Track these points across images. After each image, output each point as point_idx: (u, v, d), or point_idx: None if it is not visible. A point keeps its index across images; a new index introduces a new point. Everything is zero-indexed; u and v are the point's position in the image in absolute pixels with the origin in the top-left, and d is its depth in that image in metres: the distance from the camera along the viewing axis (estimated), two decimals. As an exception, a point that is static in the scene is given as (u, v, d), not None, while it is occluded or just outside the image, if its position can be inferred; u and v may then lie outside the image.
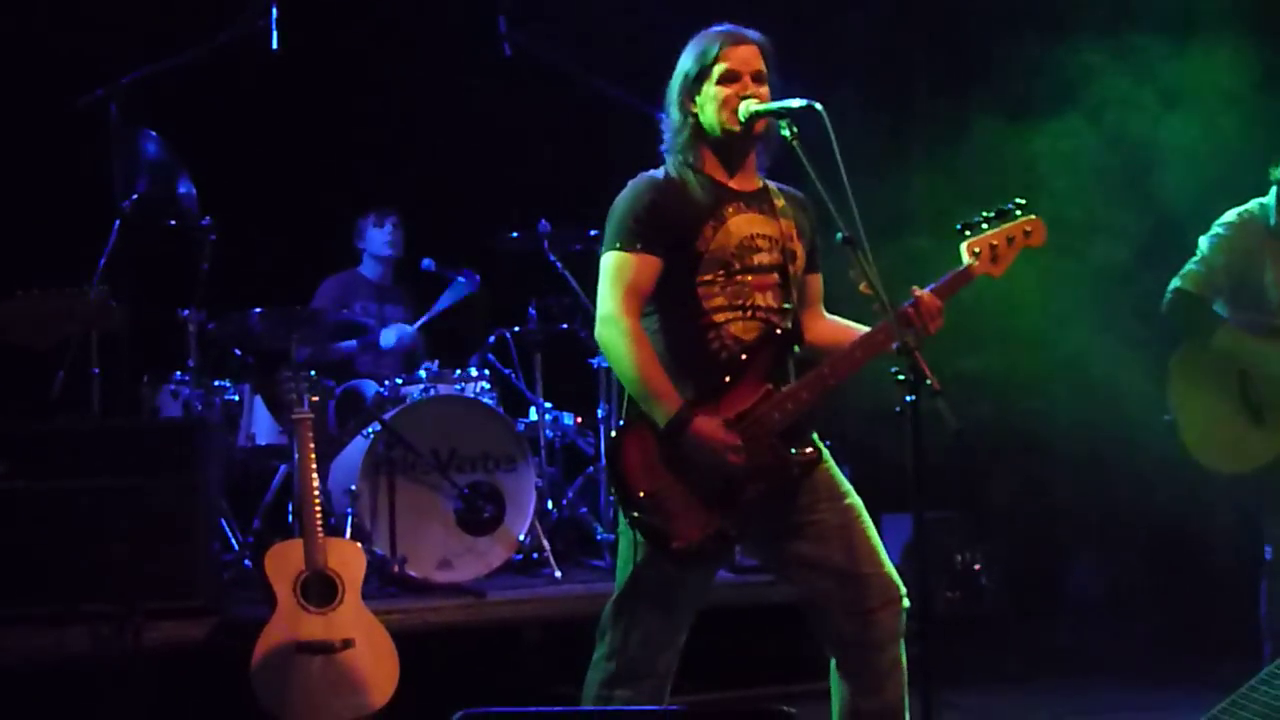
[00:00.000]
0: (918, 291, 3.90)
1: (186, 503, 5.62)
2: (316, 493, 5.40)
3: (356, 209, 7.44)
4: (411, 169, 7.89)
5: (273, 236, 7.42)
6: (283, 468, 6.59)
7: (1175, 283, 5.31)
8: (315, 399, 5.65)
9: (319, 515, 5.35)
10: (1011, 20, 7.04)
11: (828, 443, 4.05)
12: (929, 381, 3.55)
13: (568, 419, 7.25)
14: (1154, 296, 5.48)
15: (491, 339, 7.16)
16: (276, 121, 7.58)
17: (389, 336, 7.15)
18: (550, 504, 6.90)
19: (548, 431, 7.07)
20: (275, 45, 6.58)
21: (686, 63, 4.04)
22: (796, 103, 3.87)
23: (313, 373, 6.19)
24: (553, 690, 5.68)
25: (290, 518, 6.33)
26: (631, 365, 3.86)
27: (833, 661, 4.02)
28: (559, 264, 6.95)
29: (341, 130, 7.76)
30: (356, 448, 6.39)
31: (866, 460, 4.30)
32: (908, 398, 3.57)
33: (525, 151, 7.90)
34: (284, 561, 5.27)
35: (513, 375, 7.21)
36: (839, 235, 3.72)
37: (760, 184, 4.08)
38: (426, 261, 7.29)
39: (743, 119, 3.93)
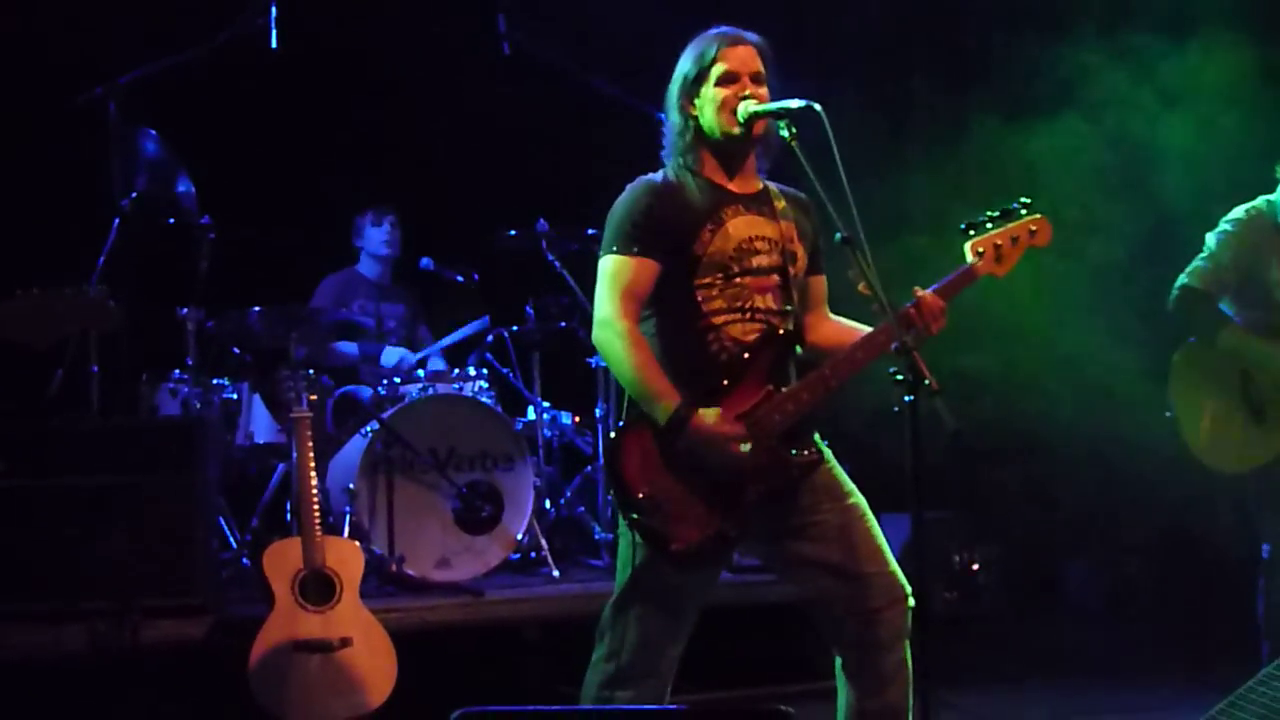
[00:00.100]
0: (920, 292, 3.90)
1: (185, 501, 5.62)
2: (315, 491, 5.40)
3: (355, 207, 7.44)
4: (410, 168, 7.88)
5: (271, 235, 7.40)
6: (281, 466, 6.59)
7: (1182, 279, 5.30)
8: (314, 398, 5.65)
9: (317, 514, 5.35)
10: (1010, 20, 7.05)
11: (828, 442, 4.05)
12: (927, 382, 3.55)
13: (566, 418, 7.25)
14: (1153, 295, 5.47)
15: (490, 338, 7.15)
16: (275, 120, 7.57)
17: (390, 357, 7.16)
18: (548, 503, 6.91)
19: (546, 431, 7.07)
20: (274, 44, 6.57)
21: (685, 65, 4.04)
22: (795, 103, 3.87)
23: (311, 371, 6.20)
24: (551, 689, 5.69)
25: (288, 516, 6.32)
26: (629, 366, 3.85)
27: (838, 661, 4.02)
28: (557, 263, 6.94)
29: (340, 129, 7.76)
30: (355, 446, 6.39)
31: (865, 460, 4.29)
32: (906, 398, 3.57)
33: (524, 151, 7.89)
34: (282, 560, 5.27)
35: (511, 374, 7.20)
36: (838, 236, 3.73)
37: (761, 186, 4.08)
38: (425, 261, 7.29)
39: (741, 120, 3.93)
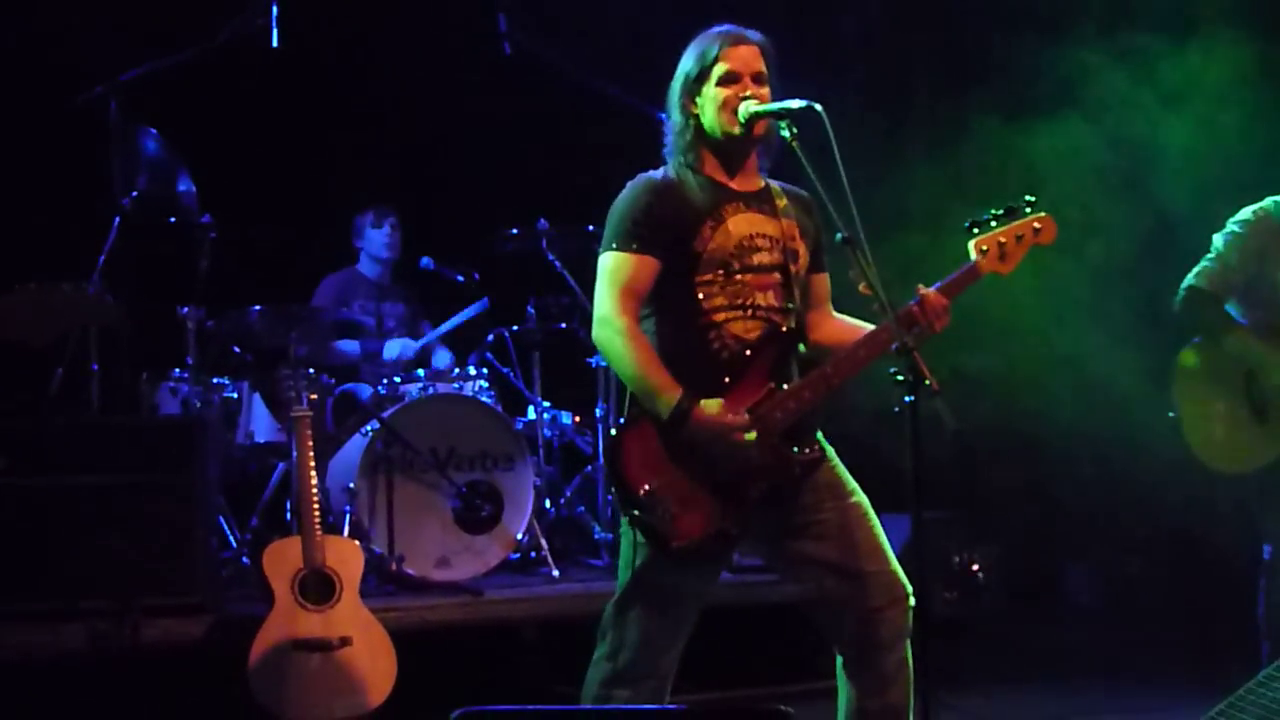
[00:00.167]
0: (923, 289, 3.89)
1: (185, 500, 5.62)
2: (315, 490, 5.40)
3: (355, 207, 7.44)
4: (411, 167, 7.89)
5: (272, 234, 7.41)
6: (281, 465, 6.59)
7: (1189, 280, 5.28)
8: (314, 396, 5.65)
9: (317, 513, 5.35)
10: (1010, 20, 7.04)
11: (829, 442, 4.05)
12: (928, 382, 3.55)
13: (566, 418, 7.25)
14: (1154, 295, 5.47)
15: (490, 338, 7.15)
16: (276, 119, 7.57)
17: (392, 349, 7.16)
18: (548, 503, 6.90)
19: (546, 430, 7.07)
20: (275, 43, 6.57)
21: (687, 64, 4.03)
22: (796, 104, 3.87)
23: (311, 370, 6.20)
24: (550, 689, 5.69)
25: (288, 516, 6.32)
26: (630, 362, 3.85)
27: (839, 660, 4.02)
28: (557, 263, 6.94)
29: (341, 128, 7.76)
30: (355, 446, 6.39)
31: (866, 460, 4.30)
32: (906, 398, 3.57)
33: (524, 150, 7.89)
34: (282, 559, 5.27)
35: (511, 374, 7.20)
36: (838, 236, 3.73)
37: (762, 184, 4.08)
38: (425, 260, 7.29)
39: (742, 120, 3.93)
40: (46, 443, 5.61)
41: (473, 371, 6.78)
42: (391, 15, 7.76)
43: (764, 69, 3.98)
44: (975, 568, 6.91)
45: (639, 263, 3.90)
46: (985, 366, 6.47)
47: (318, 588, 5.25)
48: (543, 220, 6.95)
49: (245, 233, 6.81)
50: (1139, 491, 6.62)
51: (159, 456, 5.62)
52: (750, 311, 3.94)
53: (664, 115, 4.09)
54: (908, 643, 3.94)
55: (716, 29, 4.04)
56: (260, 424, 6.72)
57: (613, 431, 3.92)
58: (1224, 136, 6.32)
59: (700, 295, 3.92)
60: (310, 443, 5.52)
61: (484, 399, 6.61)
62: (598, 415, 6.96)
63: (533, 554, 6.62)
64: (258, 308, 6.34)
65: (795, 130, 3.87)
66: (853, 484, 4.01)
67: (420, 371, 6.72)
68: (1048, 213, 4.03)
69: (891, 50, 7.85)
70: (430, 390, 6.56)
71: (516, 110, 7.76)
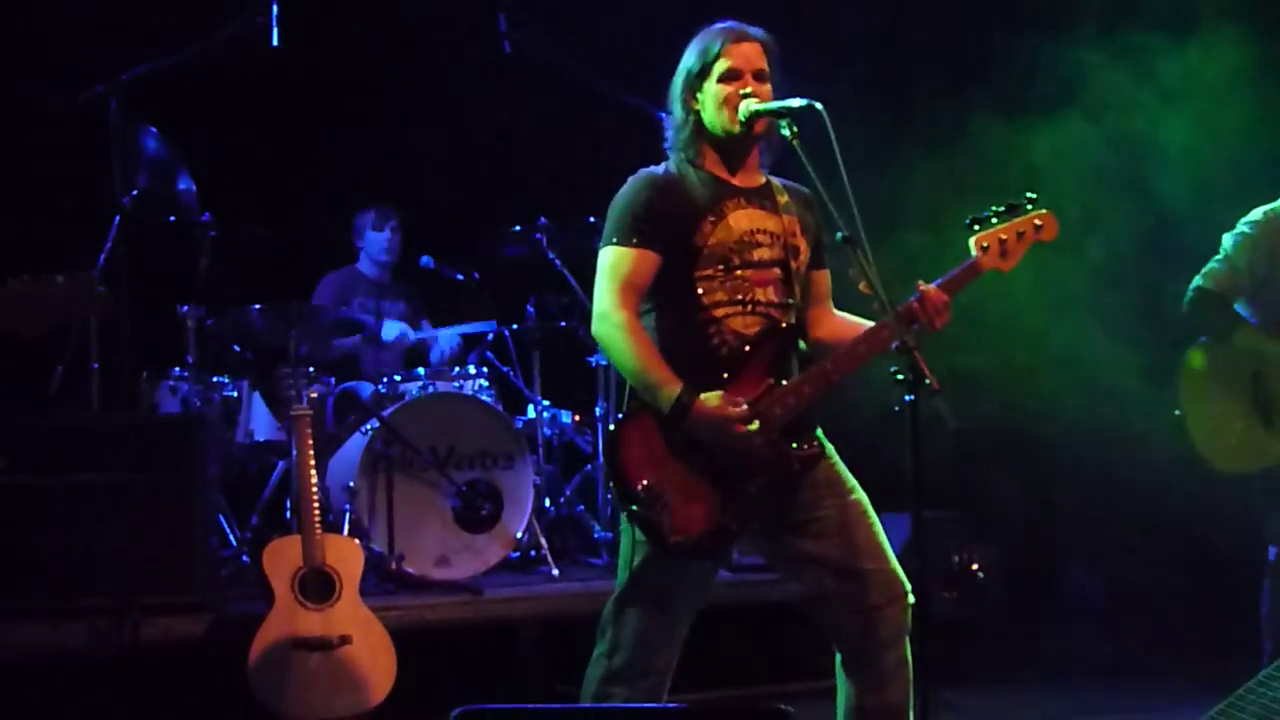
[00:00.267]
0: (923, 286, 3.88)
1: (185, 498, 5.62)
2: (315, 489, 5.40)
3: (355, 205, 7.43)
4: (411, 165, 7.88)
5: (273, 232, 7.40)
6: (281, 464, 6.59)
7: (1197, 281, 5.27)
8: (314, 395, 5.65)
9: (317, 511, 5.35)
10: (1011, 18, 7.04)
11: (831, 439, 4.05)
12: (928, 381, 3.55)
13: (566, 417, 7.24)
14: (1154, 294, 5.47)
15: (490, 336, 7.15)
16: (276, 118, 7.58)
17: (391, 330, 7.14)
18: (548, 502, 6.90)
19: (546, 429, 7.06)
20: (276, 42, 6.56)
21: (689, 60, 4.03)
22: (797, 102, 3.87)
23: (312, 369, 6.20)
24: (551, 687, 5.69)
25: (288, 514, 6.32)
26: (629, 356, 3.85)
27: (838, 658, 4.01)
28: (557, 261, 6.94)
29: (341, 126, 7.76)
30: (355, 444, 6.39)
31: (867, 459, 4.30)
32: (906, 397, 3.57)
33: (524, 149, 7.89)
34: (282, 558, 5.27)
35: (511, 373, 7.21)
36: (838, 235, 3.72)
37: (763, 180, 4.07)
38: (425, 259, 7.28)
39: (743, 118, 3.93)
40: (47, 441, 5.62)
41: (472, 370, 6.78)
42: (391, 14, 7.75)
43: (766, 66, 3.98)
44: (975, 567, 6.90)
45: (639, 257, 3.90)
46: (986, 365, 6.47)
47: (318, 586, 5.25)
48: (543, 219, 6.95)
49: (245, 231, 6.80)
50: (1140, 491, 6.62)
51: (159, 455, 5.62)
52: (750, 307, 3.93)
53: (665, 113, 4.09)
54: (907, 641, 3.94)
55: (719, 25, 4.03)
56: (260, 422, 6.72)
57: (611, 426, 3.92)
58: (1224, 135, 6.32)
59: (700, 290, 3.92)
60: (310, 441, 5.52)
61: (484, 398, 6.61)
62: (597, 414, 6.95)
63: (532, 553, 6.62)
64: (258, 306, 6.33)
65: (796, 129, 3.87)
66: (852, 481, 4.01)
67: (420, 370, 6.71)
68: (1049, 210, 4.03)
69: (891, 48, 7.85)
70: (430, 389, 6.56)
71: (516, 109, 7.76)
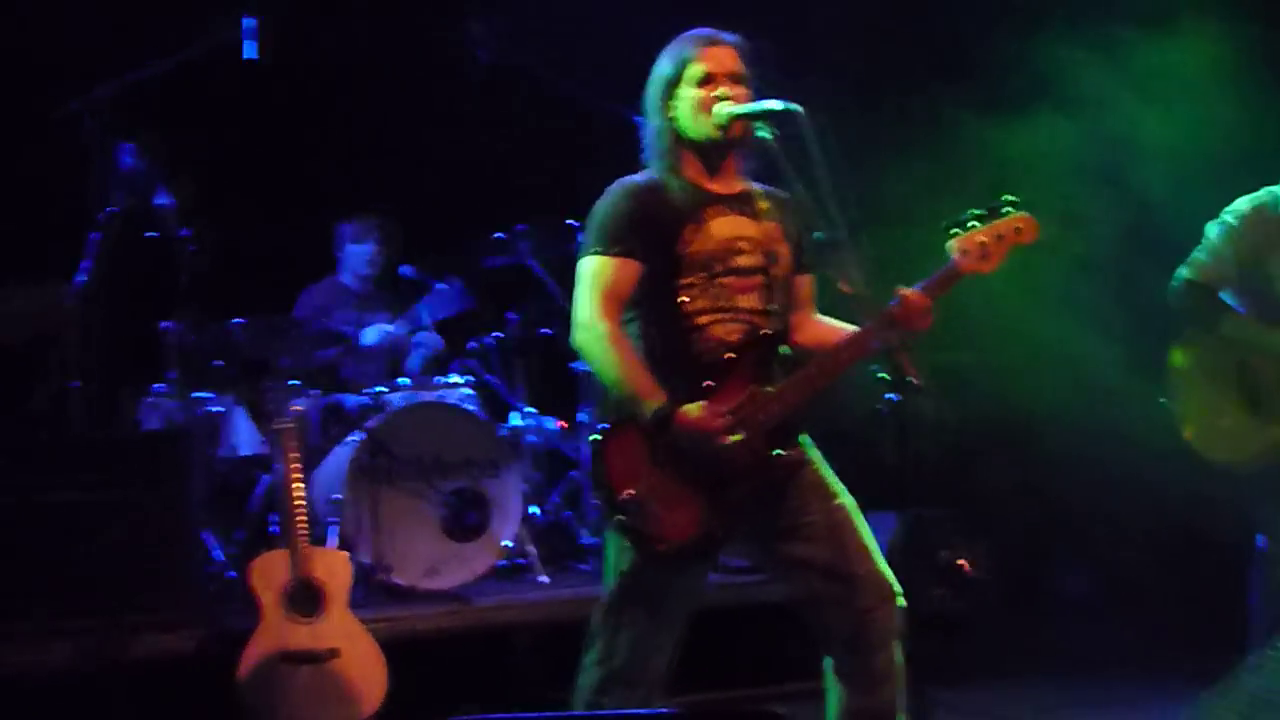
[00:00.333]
0: (903, 290, 3.88)
1: (170, 515, 5.59)
2: (301, 502, 5.37)
3: (336, 216, 7.39)
4: (391, 175, 7.85)
5: (253, 246, 7.38)
6: (265, 478, 6.56)
7: (1182, 272, 5.26)
8: (299, 408, 5.63)
9: (304, 525, 5.33)
10: (985, 13, 7.04)
11: (821, 441, 4.04)
12: (910, 380, 3.55)
13: (550, 423, 7.23)
14: (1139, 286, 5.46)
15: (473, 345, 7.13)
16: (256, 131, 7.55)
17: (370, 335, 7.11)
18: (535, 509, 6.88)
19: (531, 436, 7.05)
20: (254, 55, 6.54)
21: (663, 66, 4.03)
22: (775, 105, 3.86)
23: (297, 382, 6.18)
24: (543, 695, 5.67)
25: (273, 528, 6.30)
26: (611, 366, 3.85)
27: (827, 662, 4.01)
28: (540, 269, 6.93)
29: (321, 138, 7.74)
30: (340, 456, 6.36)
31: (858, 458, 4.30)
32: (889, 396, 3.57)
33: (505, 157, 7.88)
34: (269, 572, 5.25)
35: (495, 381, 7.19)
36: (817, 235, 3.72)
37: (743, 186, 4.07)
38: (406, 268, 7.25)
39: (719, 123, 3.92)
40: (30, 459, 5.59)
41: (456, 379, 6.76)
42: (369, 25, 7.73)
43: (741, 69, 3.98)
44: (967, 564, 6.89)
45: (620, 266, 3.90)
46: (974, 362, 6.47)
47: (306, 599, 5.23)
48: (524, 226, 6.93)
49: (225, 245, 6.77)
50: (1131, 484, 6.61)
51: (144, 471, 5.59)
52: (732, 314, 3.93)
53: (641, 119, 4.09)
54: (897, 642, 3.93)
55: (693, 32, 4.04)
56: (243, 437, 6.69)
57: (595, 436, 3.91)
58: (1203, 127, 6.33)
59: (682, 298, 3.92)
60: (295, 454, 5.50)
61: (468, 406, 6.60)
62: (582, 420, 6.94)
63: (521, 561, 6.61)
64: (239, 321, 6.31)
65: (776, 132, 3.86)
66: (838, 485, 4.01)
67: (404, 380, 6.69)
68: (1029, 213, 4.01)
69: (872, 47, 7.83)
70: (414, 399, 6.54)
71: (496, 117, 7.74)
